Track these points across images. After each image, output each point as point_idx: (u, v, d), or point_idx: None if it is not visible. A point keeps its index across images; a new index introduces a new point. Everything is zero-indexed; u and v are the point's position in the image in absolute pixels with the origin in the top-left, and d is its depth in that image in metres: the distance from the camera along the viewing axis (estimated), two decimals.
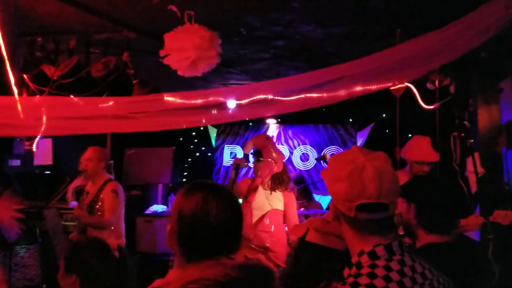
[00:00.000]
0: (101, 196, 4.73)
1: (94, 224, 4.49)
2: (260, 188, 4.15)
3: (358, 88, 3.69)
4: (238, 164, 3.98)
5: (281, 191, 4.18)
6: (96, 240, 2.45)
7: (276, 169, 4.14)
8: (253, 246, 4.04)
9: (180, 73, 3.52)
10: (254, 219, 4.08)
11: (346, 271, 1.43)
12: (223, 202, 1.50)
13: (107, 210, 4.52)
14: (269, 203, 4.13)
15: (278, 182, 4.17)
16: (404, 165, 4.43)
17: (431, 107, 4.79)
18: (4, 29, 3.09)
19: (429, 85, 4.84)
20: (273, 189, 4.16)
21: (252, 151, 4.21)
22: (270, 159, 4.12)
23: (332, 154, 6.74)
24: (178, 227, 1.50)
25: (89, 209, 4.57)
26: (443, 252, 2.12)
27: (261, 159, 4.08)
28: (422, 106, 4.84)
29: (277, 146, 7.19)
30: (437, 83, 4.70)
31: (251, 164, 4.39)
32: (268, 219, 4.11)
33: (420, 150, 4.25)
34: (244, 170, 7.41)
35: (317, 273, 2.23)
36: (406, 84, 4.63)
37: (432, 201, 2.27)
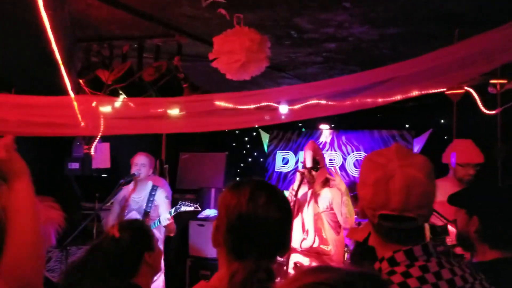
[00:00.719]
0: (156, 202, 4.84)
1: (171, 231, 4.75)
2: (309, 191, 4.09)
3: (414, 90, 3.54)
4: (303, 174, 3.90)
5: (327, 189, 4.12)
6: None
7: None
8: (303, 250, 3.98)
9: (228, 76, 3.50)
10: (307, 225, 4.00)
11: None
12: (271, 195, 1.45)
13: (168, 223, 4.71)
14: (318, 205, 4.06)
15: (324, 182, 4.12)
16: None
17: (493, 112, 4.55)
18: (58, 35, 3.18)
19: (490, 89, 4.59)
20: (321, 189, 4.10)
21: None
22: (324, 165, 4.08)
23: None
24: (226, 222, 1.45)
25: (144, 215, 4.69)
26: None
27: (319, 166, 4.01)
28: (482, 111, 4.60)
29: (330, 152, 7.10)
30: (499, 86, 4.45)
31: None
32: (319, 222, 4.02)
33: (464, 152, 4.05)
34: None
35: None
36: (466, 88, 4.42)
37: (501, 215, 2.00)
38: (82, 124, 4.22)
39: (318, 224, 4.01)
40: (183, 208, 4.95)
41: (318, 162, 4.01)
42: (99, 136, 4.88)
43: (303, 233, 3.98)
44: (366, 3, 3.36)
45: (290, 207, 1.52)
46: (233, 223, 1.42)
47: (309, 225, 3.97)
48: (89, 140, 5.71)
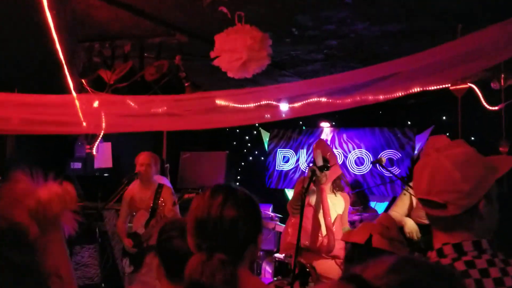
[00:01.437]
0: (161, 200, 4.84)
1: None
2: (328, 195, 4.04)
3: (415, 86, 3.53)
4: (314, 172, 3.86)
5: (341, 194, 4.08)
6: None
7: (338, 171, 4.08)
8: (323, 254, 3.91)
9: (230, 74, 3.50)
10: (323, 227, 3.94)
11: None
12: (228, 196, 1.52)
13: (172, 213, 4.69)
14: (335, 209, 4.01)
15: (338, 184, 4.08)
16: None
17: (496, 108, 4.55)
18: (61, 35, 3.18)
19: (493, 85, 4.58)
20: (335, 192, 4.06)
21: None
22: (335, 164, 4.03)
23: (388, 158, 6.53)
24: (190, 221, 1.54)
25: (152, 212, 4.71)
26: None
27: (329, 165, 3.97)
28: (485, 107, 4.60)
29: None
30: (502, 82, 4.44)
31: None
32: (335, 226, 3.98)
33: None
34: (296, 174, 7.33)
35: None
36: (469, 84, 4.41)
37: None
38: (84, 123, 4.24)
39: (334, 228, 3.95)
40: (186, 196, 4.95)
41: (328, 161, 3.97)
42: (101, 134, 4.88)
43: (322, 235, 3.91)
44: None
45: (250, 207, 1.56)
46: (193, 223, 1.51)
47: (329, 227, 3.90)
48: (91, 140, 5.72)
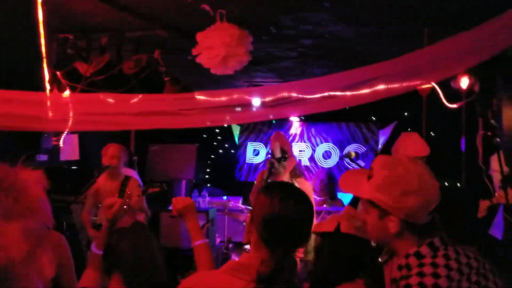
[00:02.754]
0: (128, 192, 4.85)
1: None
2: None
3: (381, 87, 3.72)
4: (273, 164, 3.99)
5: (299, 181, 4.24)
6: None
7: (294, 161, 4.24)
8: None
9: (213, 71, 3.59)
10: None
11: (396, 274, 1.53)
12: (298, 198, 1.71)
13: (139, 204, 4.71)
14: None
15: (295, 173, 4.23)
16: None
17: (455, 106, 4.80)
18: (44, 28, 3.19)
19: (453, 84, 4.84)
20: (293, 180, 4.21)
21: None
22: (292, 154, 4.18)
23: (356, 152, 6.77)
24: (260, 218, 1.69)
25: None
26: None
27: (287, 156, 4.11)
28: (446, 105, 4.84)
29: (299, 143, 7.27)
30: (462, 82, 4.70)
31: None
32: None
33: (411, 146, 4.23)
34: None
35: (357, 265, 2.32)
36: (433, 84, 4.64)
37: None
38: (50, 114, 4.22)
39: None
40: (150, 190, 4.97)
41: (286, 152, 4.11)
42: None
43: None
44: (344, 3, 3.51)
45: (312, 208, 1.76)
46: (266, 220, 1.67)
47: None
48: (57, 131, 5.65)
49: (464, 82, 4.63)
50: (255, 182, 4.24)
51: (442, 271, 1.41)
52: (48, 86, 4.27)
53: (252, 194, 4.18)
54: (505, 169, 4.24)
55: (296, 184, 4.21)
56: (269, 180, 3.89)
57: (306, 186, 4.30)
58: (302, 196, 1.74)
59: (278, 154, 4.04)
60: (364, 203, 1.63)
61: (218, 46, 3.62)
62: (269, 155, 4.15)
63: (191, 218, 2.25)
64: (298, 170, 4.35)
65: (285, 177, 4.19)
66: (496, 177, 4.52)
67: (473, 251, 1.51)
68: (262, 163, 7.46)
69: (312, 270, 2.50)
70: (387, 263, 1.69)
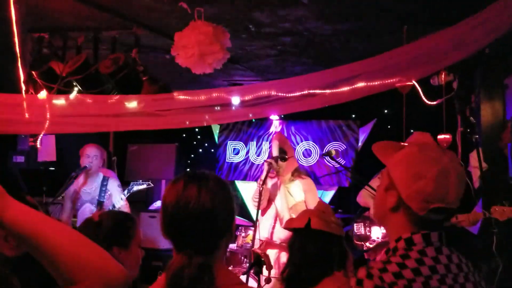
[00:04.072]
0: (108, 194, 4.81)
1: None
2: (282, 186, 4.15)
3: (361, 85, 3.73)
4: (271, 165, 3.96)
5: (299, 181, 4.21)
6: None
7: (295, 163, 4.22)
8: (277, 242, 4.03)
9: (193, 71, 3.56)
10: (282, 214, 4.06)
11: (383, 257, 1.46)
12: (203, 187, 1.43)
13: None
14: (292, 196, 4.13)
15: (297, 174, 4.20)
16: None
17: (434, 103, 4.84)
18: (18, 27, 3.11)
19: (432, 81, 4.88)
20: (293, 180, 4.17)
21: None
22: (292, 156, 4.15)
23: (337, 150, 6.79)
24: (162, 214, 1.47)
25: (99, 205, 4.65)
26: None
27: (286, 157, 4.08)
28: (425, 102, 4.88)
29: None
30: (441, 79, 4.74)
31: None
32: (293, 213, 4.10)
33: None
34: (246, 166, 7.47)
35: (328, 259, 2.34)
36: (413, 81, 4.67)
37: None
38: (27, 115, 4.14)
39: (291, 215, 4.09)
40: (136, 188, 4.92)
41: (285, 152, 4.09)
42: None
43: (275, 222, 4.05)
44: (322, 0, 3.51)
45: (227, 199, 1.49)
46: (167, 215, 1.45)
47: (284, 215, 4.03)
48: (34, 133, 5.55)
49: (443, 79, 4.67)
50: (236, 181, 4.22)
51: (428, 261, 1.37)
52: (23, 87, 4.18)
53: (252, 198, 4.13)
54: (484, 165, 4.30)
55: (298, 182, 4.17)
56: (267, 182, 3.87)
57: (309, 184, 4.25)
58: (215, 183, 1.46)
59: (276, 153, 4.03)
60: (383, 173, 1.55)
61: (192, 45, 3.58)
62: (269, 157, 4.13)
63: None
64: (300, 171, 4.29)
65: (286, 179, 4.15)
66: (475, 173, 4.58)
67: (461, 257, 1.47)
68: (242, 162, 7.44)
69: (285, 267, 2.52)
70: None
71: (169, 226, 1.44)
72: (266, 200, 3.99)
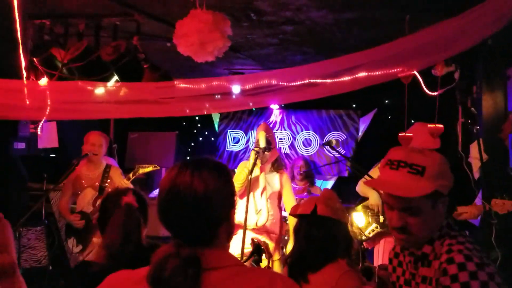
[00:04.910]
0: (112, 180, 4.81)
1: None
2: (261, 174, 4.22)
3: (362, 74, 3.72)
4: (258, 154, 3.99)
5: (278, 172, 4.28)
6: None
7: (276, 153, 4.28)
8: (256, 228, 4.12)
9: (195, 59, 3.54)
10: (260, 204, 4.13)
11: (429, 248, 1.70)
12: (196, 172, 1.36)
13: None
14: (270, 186, 4.22)
15: (277, 165, 4.27)
16: None
17: (435, 93, 4.84)
18: (20, 13, 3.10)
19: (433, 71, 4.87)
20: (274, 171, 4.25)
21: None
22: (275, 146, 4.23)
23: (337, 139, 6.80)
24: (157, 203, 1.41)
25: (100, 191, 4.65)
26: None
27: (271, 147, 4.13)
28: (426, 93, 4.87)
29: (280, 131, 7.26)
30: (442, 69, 4.73)
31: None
32: (271, 202, 4.20)
33: (419, 136, 4.26)
34: (246, 155, 7.48)
35: (333, 245, 2.36)
36: (414, 72, 4.66)
37: None
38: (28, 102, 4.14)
39: (269, 204, 4.17)
40: (141, 171, 4.90)
41: (270, 143, 4.13)
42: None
43: (256, 212, 4.10)
44: None
45: (224, 186, 1.40)
46: (161, 201, 1.38)
47: (262, 205, 4.11)
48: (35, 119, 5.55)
49: (444, 70, 4.66)
50: (235, 170, 4.24)
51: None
52: (25, 73, 4.18)
53: None
54: (484, 156, 4.31)
55: (278, 176, 4.25)
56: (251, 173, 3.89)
57: (286, 178, 4.33)
58: (211, 170, 1.39)
59: (263, 144, 4.05)
60: (415, 203, 1.65)
61: (192, 33, 3.57)
62: (254, 146, 4.15)
63: None
64: (280, 162, 4.38)
65: (267, 168, 4.22)
66: (476, 164, 4.58)
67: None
68: (242, 151, 7.45)
69: (290, 252, 2.54)
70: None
71: (162, 214, 1.37)
72: (244, 188, 4.02)
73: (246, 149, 7.44)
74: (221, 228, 1.39)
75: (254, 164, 3.91)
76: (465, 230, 4.60)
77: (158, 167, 5.19)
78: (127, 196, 2.26)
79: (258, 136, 4.16)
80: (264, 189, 4.16)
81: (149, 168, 4.93)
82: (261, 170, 4.16)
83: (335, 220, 2.43)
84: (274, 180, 4.28)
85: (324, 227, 2.40)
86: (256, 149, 4.05)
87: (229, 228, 1.44)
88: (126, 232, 2.18)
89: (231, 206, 1.43)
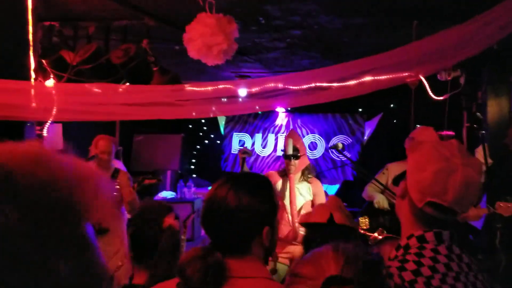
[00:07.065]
0: (120, 185, 4.83)
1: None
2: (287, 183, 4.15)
3: (369, 79, 3.74)
4: (245, 154, 3.98)
5: (309, 181, 4.19)
6: None
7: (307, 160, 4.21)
8: (293, 242, 4.03)
9: (207, 62, 3.57)
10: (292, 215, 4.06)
11: (393, 253, 1.48)
12: (235, 186, 1.46)
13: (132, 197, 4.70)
14: (302, 196, 4.12)
15: (308, 172, 4.19)
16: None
17: (441, 98, 4.86)
18: (34, 15, 3.13)
19: (439, 77, 4.90)
20: (304, 180, 4.16)
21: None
22: (304, 154, 4.14)
23: (343, 143, 6.83)
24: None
25: None
26: None
27: (299, 155, 4.07)
28: (432, 97, 4.89)
29: (285, 134, 7.27)
30: (448, 74, 4.75)
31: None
32: (304, 212, 4.03)
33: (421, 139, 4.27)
34: (252, 159, 7.50)
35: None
36: (420, 77, 4.68)
37: None
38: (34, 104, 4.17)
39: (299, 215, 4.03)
40: (146, 182, 4.92)
41: (298, 150, 4.08)
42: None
43: (289, 223, 4.01)
44: None
45: (259, 201, 1.46)
46: (203, 210, 1.51)
47: (295, 216, 4.01)
48: (41, 121, 5.57)
49: (450, 75, 4.69)
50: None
51: (442, 259, 1.39)
52: (33, 75, 4.21)
53: None
54: (489, 161, 4.33)
55: (308, 185, 4.17)
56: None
57: (319, 187, 4.25)
58: (247, 185, 1.48)
59: (290, 151, 4.01)
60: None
61: (195, 37, 3.61)
62: (242, 147, 4.13)
63: None
64: (311, 170, 4.30)
65: (296, 176, 4.14)
66: None
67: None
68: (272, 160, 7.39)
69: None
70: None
71: (202, 219, 1.50)
72: None
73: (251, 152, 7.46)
74: (254, 242, 1.45)
75: (244, 163, 3.88)
76: (469, 234, 4.62)
77: (162, 181, 5.21)
78: (168, 217, 2.12)
79: (286, 143, 4.11)
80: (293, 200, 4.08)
81: (154, 181, 4.98)
82: (290, 179, 4.10)
83: (351, 228, 2.42)
84: (305, 190, 4.15)
85: (341, 235, 2.32)
86: (242, 149, 4.03)
87: (264, 243, 1.47)
88: (175, 259, 2.09)
89: (265, 223, 1.47)
